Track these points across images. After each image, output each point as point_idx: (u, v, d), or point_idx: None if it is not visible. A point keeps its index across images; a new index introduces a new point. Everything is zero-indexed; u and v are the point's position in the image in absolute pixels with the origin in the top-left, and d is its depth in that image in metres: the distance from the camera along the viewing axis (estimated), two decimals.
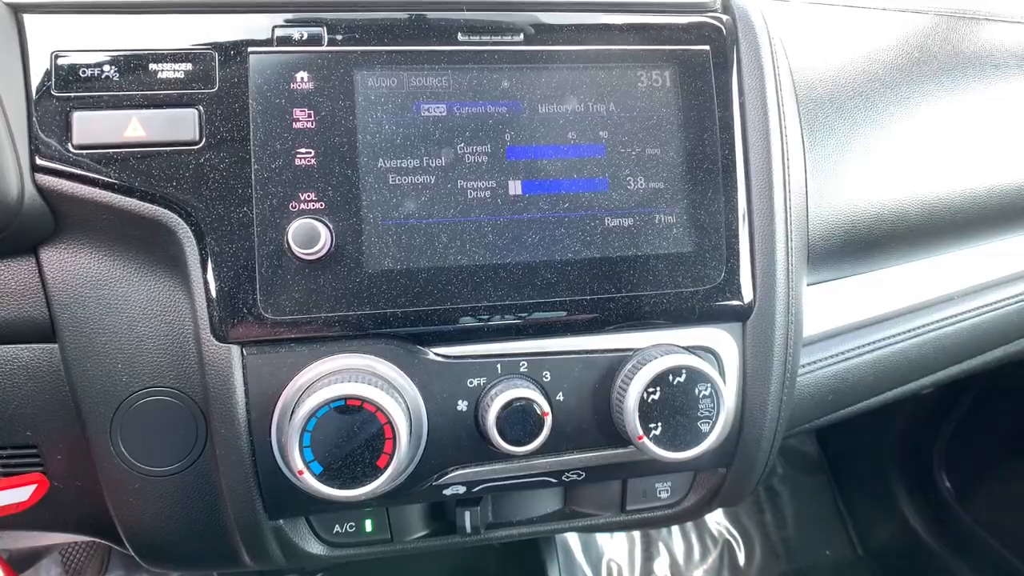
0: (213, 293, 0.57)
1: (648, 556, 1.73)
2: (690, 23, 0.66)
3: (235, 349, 0.58)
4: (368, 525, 0.67)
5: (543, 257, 0.61)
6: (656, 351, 0.62)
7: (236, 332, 0.57)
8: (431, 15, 0.62)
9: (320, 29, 0.60)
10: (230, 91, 0.58)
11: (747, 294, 0.65)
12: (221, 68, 0.58)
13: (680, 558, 1.74)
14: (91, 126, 0.56)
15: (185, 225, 0.57)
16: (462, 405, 0.61)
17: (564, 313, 0.62)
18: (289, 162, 0.58)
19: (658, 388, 0.59)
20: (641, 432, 0.59)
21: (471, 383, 0.61)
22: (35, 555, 1.21)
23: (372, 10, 0.61)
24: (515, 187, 0.62)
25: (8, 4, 0.57)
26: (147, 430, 0.60)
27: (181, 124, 0.57)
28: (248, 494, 0.59)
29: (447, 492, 0.63)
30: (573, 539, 1.69)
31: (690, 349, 0.63)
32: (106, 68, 0.57)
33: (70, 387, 0.60)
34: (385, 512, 0.67)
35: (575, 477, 0.65)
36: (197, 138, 0.57)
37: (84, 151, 0.56)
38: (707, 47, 0.66)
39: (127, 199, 0.57)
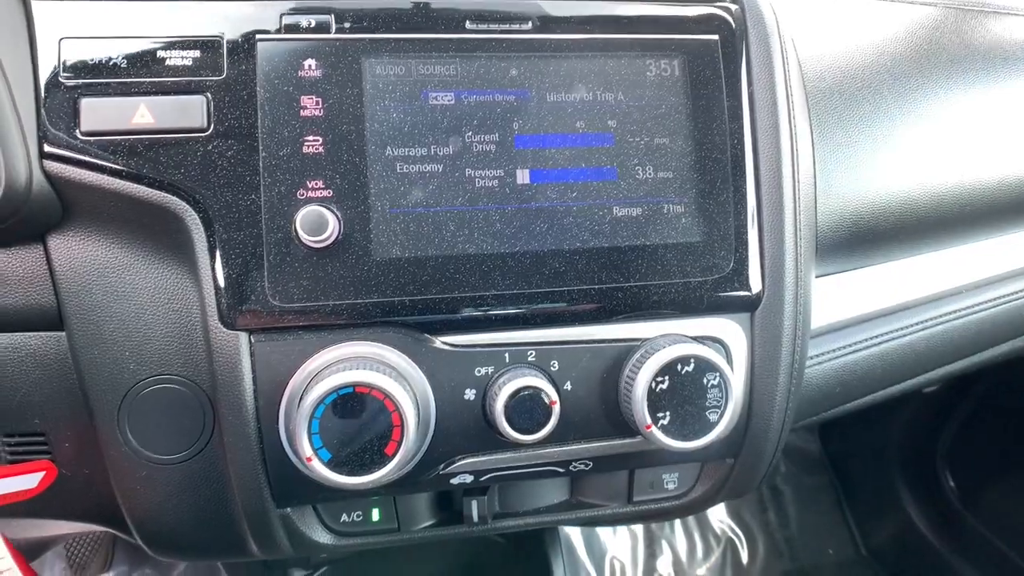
0: (221, 280, 0.57)
1: (651, 553, 1.73)
2: (699, 13, 0.66)
3: (243, 336, 0.58)
4: (375, 514, 0.67)
5: (551, 246, 0.61)
6: (664, 340, 0.62)
7: (244, 319, 0.57)
8: (439, 3, 0.62)
9: (328, 17, 0.60)
10: (238, 78, 0.58)
11: (756, 284, 0.65)
12: (229, 55, 0.58)
13: (683, 555, 1.73)
14: (99, 113, 0.56)
15: (193, 212, 0.57)
16: (470, 394, 0.61)
17: (572, 302, 0.62)
18: (297, 150, 0.58)
19: (667, 377, 0.59)
20: (649, 421, 0.59)
21: (479, 372, 0.61)
22: (41, 547, 1.21)
23: None
24: (523, 176, 0.62)
25: None
26: (154, 418, 0.60)
27: (189, 111, 0.57)
28: (256, 482, 0.59)
29: (454, 481, 0.63)
30: (576, 536, 1.68)
31: (698, 339, 0.63)
32: (114, 55, 0.57)
33: (77, 375, 0.60)
34: (392, 501, 0.67)
35: (582, 467, 0.65)
36: (205, 125, 0.57)
37: (92, 137, 0.56)
38: (716, 37, 0.66)
39: (135, 186, 0.57)
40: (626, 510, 0.70)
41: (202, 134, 0.57)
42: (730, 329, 0.65)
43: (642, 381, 0.59)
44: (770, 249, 0.65)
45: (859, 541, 1.76)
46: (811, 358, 0.73)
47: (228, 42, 0.58)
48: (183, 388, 0.60)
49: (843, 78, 0.76)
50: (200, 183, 0.57)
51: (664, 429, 0.60)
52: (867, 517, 1.76)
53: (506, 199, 0.61)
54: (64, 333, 0.60)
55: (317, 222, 0.57)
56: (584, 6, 0.64)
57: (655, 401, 0.59)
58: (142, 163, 0.56)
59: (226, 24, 0.58)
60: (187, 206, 0.57)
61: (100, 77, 0.57)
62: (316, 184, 0.58)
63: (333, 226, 0.57)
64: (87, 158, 0.56)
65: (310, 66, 0.59)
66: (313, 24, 0.59)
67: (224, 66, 0.58)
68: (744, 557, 1.75)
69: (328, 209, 0.57)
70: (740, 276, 0.65)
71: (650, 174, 0.63)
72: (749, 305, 0.66)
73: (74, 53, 0.57)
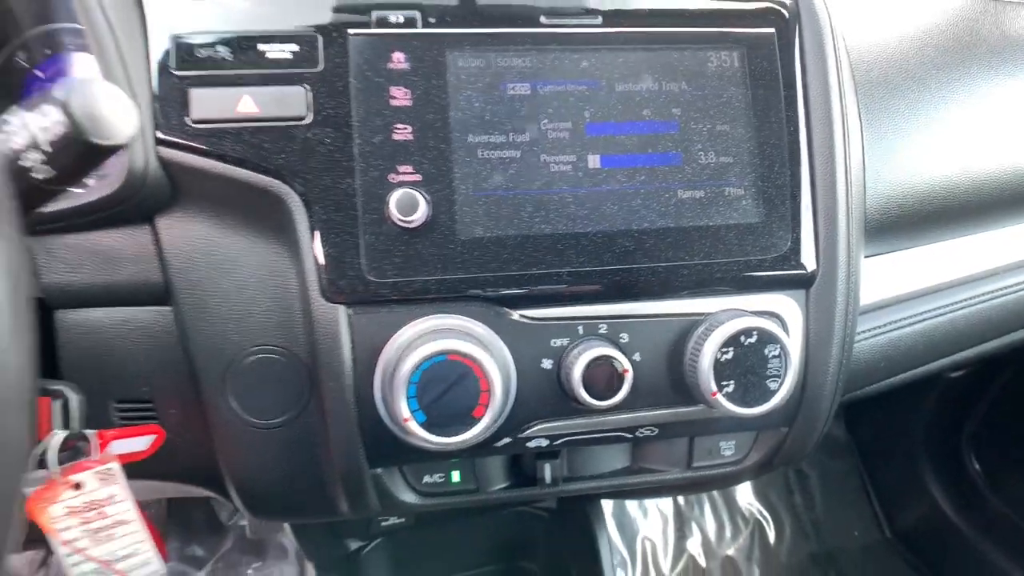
0: (321, 258, 0.62)
1: (681, 535, 1.77)
2: (757, 8, 0.70)
3: (342, 309, 0.62)
4: (455, 476, 0.72)
5: (621, 226, 0.66)
6: (726, 315, 0.66)
7: (343, 294, 0.62)
8: (516, 0, 0.66)
9: (415, 13, 0.64)
10: (334, 70, 0.62)
11: (810, 263, 0.69)
12: (325, 49, 0.63)
13: (712, 536, 1.77)
14: (207, 102, 0.61)
15: (294, 195, 0.62)
16: (546, 363, 0.65)
17: (640, 279, 0.66)
18: (388, 137, 0.63)
19: (731, 348, 0.64)
20: (715, 388, 0.64)
21: (554, 343, 0.65)
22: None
23: None
24: (594, 161, 0.66)
25: None
26: (256, 386, 0.64)
27: (291, 101, 0.62)
28: (352, 443, 0.64)
29: (530, 444, 0.68)
30: (608, 517, 1.73)
31: (757, 314, 0.67)
32: (219, 48, 0.62)
33: (184, 346, 0.65)
34: (470, 464, 0.72)
35: (648, 433, 0.69)
36: (305, 114, 0.62)
37: (201, 125, 0.61)
38: (772, 30, 0.70)
39: (240, 170, 0.61)
40: (686, 475, 0.75)
41: (302, 122, 0.62)
42: (786, 305, 0.70)
43: (708, 352, 0.63)
44: (824, 230, 0.70)
45: (884, 524, 1.79)
46: (858, 333, 0.77)
47: (324, 37, 0.63)
48: (281, 358, 0.65)
49: (889, 69, 0.80)
50: (301, 167, 0.62)
51: (728, 396, 0.64)
52: (892, 501, 1.78)
53: (579, 183, 0.66)
54: (171, 308, 0.65)
55: (410, 204, 0.61)
56: (650, 2, 0.68)
57: (720, 370, 0.64)
58: (247, 148, 0.61)
59: (322, 20, 0.63)
60: (289, 189, 0.62)
61: (207, 69, 0.61)
62: (406, 169, 0.63)
63: (423, 207, 0.62)
64: (197, 144, 0.61)
65: (399, 59, 0.63)
66: (402, 19, 0.64)
67: (321, 59, 0.62)
68: (771, 538, 1.78)
69: (418, 191, 0.62)
70: (796, 255, 0.69)
71: (712, 159, 0.68)
72: (804, 282, 0.70)
73: (183, 48, 0.61)
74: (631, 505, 1.76)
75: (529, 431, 0.67)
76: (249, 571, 1.51)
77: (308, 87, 0.62)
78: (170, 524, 1.51)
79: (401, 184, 0.62)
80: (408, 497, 0.71)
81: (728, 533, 1.79)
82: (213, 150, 0.61)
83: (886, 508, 1.80)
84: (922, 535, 1.72)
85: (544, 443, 0.68)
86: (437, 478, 0.72)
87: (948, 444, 1.66)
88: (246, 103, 0.62)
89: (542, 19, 0.66)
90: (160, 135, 0.61)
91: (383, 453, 0.66)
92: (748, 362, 0.64)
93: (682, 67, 0.68)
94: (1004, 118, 0.83)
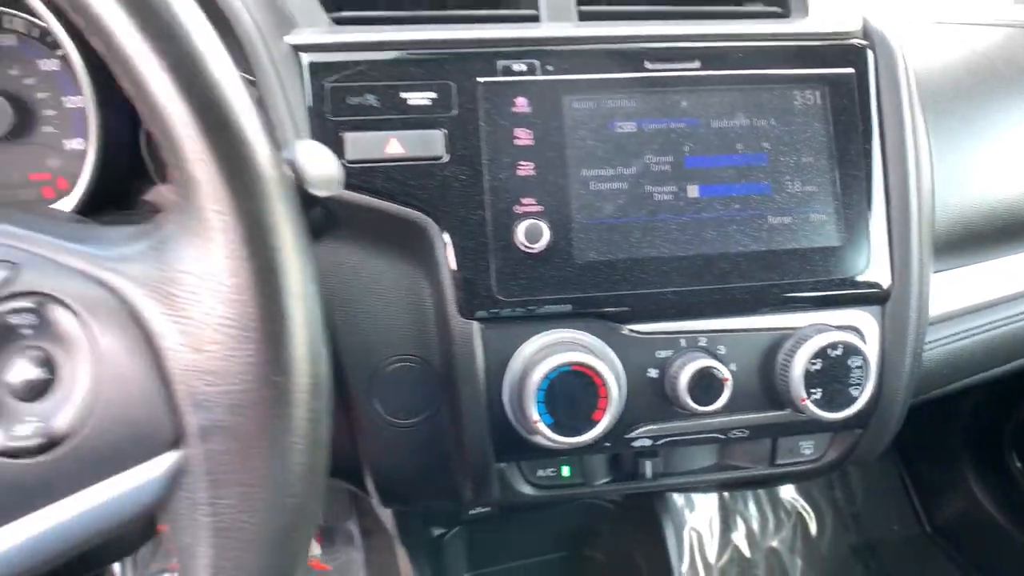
0: (458, 280, 0.71)
1: (726, 527, 1.84)
2: (837, 48, 0.78)
3: (476, 324, 0.71)
4: (565, 471, 0.81)
5: (718, 249, 0.74)
6: (813, 330, 0.74)
7: (476, 311, 0.71)
8: (623, 47, 0.74)
9: (535, 61, 0.72)
10: (466, 114, 0.71)
11: (886, 282, 0.77)
12: (458, 95, 0.71)
13: (756, 528, 1.84)
14: (359, 144, 0.70)
15: (435, 225, 0.70)
16: (652, 372, 0.74)
17: (736, 297, 0.74)
18: (513, 173, 0.71)
19: (819, 360, 0.72)
20: (804, 395, 0.72)
21: (659, 355, 0.74)
22: None
23: (576, 44, 0.73)
24: (693, 191, 0.74)
25: (292, 45, 0.71)
26: (396, 390, 0.73)
27: (431, 142, 0.70)
28: (482, 440, 0.73)
29: (635, 444, 0.76)
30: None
31: (839, 328, 0.75)
32: (368, 96, 0.70)
33: (335, 356, 0.73)
34: (578, 460, 0.81)
35: (740, 435, 0.78)
36: (442, 154, 0.71)
37: (355, 165, 0.70)
38: (852, 70, 0.77)
39: (387, 203, 0.70)
40: (769, 471, 0.83)
41: (439, 161, 0.71)
42: (864, 319, 0.77)
43: (799, 362, 0.71)
44: (898, 252, 0.77)
45: (924, 519, 1.84)
46: (927, 343, 0.85)
47: (457, 84, 0.71)
48: (417, 365, 0.74)
49: (956, 99, 0.87)
50: (440, 201, 0.70)
51: (815, 402, 0.72)
52: (932, 496, 1.83)
53: (680, 211, 0.74)
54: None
55: (535, 232, 0.70)
56: (742, 47, 0.76)
57: (809, 379, 0.72)
58: (395, 185, 0.70)
59: (456, 71, 0.71)
60: (430, 220, 0.70)
61: (359, 115, 0.70)
62: (529, 201, 0.71)
63: (546, 235, 0.70)
64: (352, 180, 0.69)
65: (521, 103, 0.72)
66: (524, 68, 0.72)
67: (455, 104, 0.71)
68: (813, 530, 1.85)
69: (541, 221, 0.71)
70: (873, 275, 0.76)
71: (798, 188, 0.75)
72: (880, 299, 0.77)
73: (337, 95, 0.70)
74: (678, 498, 1.83)
75: (635, 432, 0.75)
76: (317, 551, 1.61)
77: (445, 130, 0.71)
78: None
79: (526, 215, 0.71)
80: (525, 489, 0.79)
81: (771, 525, 1.85)
82: (366, 186, 0.70)
83: (925, 503, 1.84)
84: (962, 530, 1.76)
85: (648, 443, 0.76)
86: (550, 472, 0.80)
87: (989, 442, 1.71)
88: (393, 145, 0.70)
89: (646, 63, 0.74)
90: None
91: (507, 449, 0.75)
92: (834, 372, 0.72)
93: (771, 105, 0.75)
94: None
